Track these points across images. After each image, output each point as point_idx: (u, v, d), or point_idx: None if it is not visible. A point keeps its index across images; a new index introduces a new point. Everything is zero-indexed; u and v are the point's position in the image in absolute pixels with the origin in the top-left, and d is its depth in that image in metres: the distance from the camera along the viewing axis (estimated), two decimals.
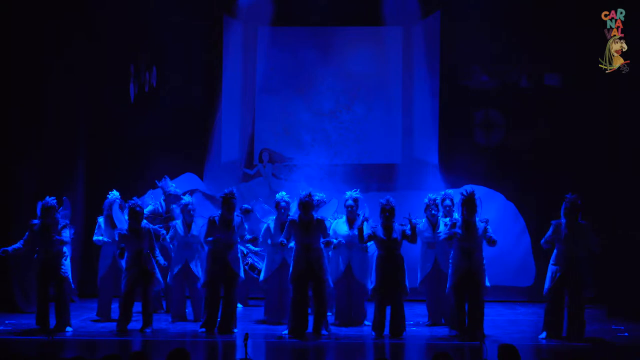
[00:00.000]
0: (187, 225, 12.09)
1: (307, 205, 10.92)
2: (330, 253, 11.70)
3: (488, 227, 10.80)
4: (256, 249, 12.88)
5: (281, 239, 11.14)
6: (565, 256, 10.66)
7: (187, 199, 12.35)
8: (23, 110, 13.49)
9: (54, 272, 11.18)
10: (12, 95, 13.46)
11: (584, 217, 10.84)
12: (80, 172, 14.32)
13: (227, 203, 11.16)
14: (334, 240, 11.19)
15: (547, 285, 10.79)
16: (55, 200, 11.28)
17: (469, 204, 10.76)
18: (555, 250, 10.82)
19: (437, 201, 11.89)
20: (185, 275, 12.07)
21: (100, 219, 12.26)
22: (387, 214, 10.96)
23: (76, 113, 14.19)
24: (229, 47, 15.12)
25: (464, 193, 10.86)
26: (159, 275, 11.35)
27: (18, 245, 11.29)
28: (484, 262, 10.78)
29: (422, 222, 11.87)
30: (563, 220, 10.73)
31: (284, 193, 11.97)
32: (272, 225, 11.82)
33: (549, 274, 10.79)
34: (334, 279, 11.63)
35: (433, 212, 11.84)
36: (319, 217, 11.07)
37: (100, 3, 14.15)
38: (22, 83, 13.47)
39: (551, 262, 10.82)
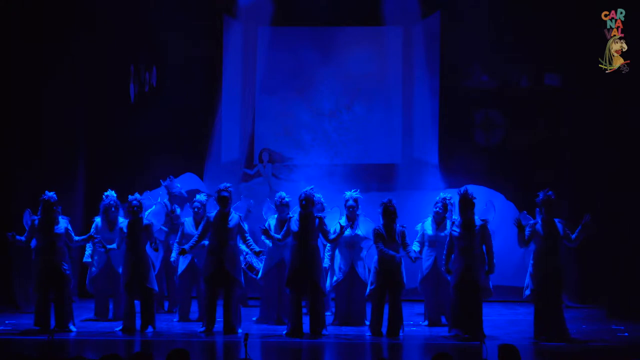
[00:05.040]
0: (197, 224, 12.08)
1: (306, 200, 10.92)
2: (328, 253, 11.74)
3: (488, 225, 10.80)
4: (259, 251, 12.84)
5: (279, 235, 11.13)
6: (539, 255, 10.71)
7: (198, 197, 12.33)
8: (23, 111, 13.50)
9: (56, 271, 11.16)
10: (13, 95, 13.46)
11: (578, 217, 10.87)
12: (80, 172, 14.32)
13: (219, 199, 11.15)
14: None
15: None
16: (55, 196, 11.27)
17: (464, 202, 10.77)
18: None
19: (446, 200, 11.90)
20: (192, 275, 12.07)
21: (97, 219, 12.22)
22: (391, 214, 10.95)
23: (76, 113, 14.19)
24: (229, 47, 15.13)
25: (460, 192, 10.89)
26: (153, 279, 11.27)
27: (22, 237, 11.33)
28: (486, 260, 10.78)
29: (428, 220, 11.94)
30: (539, 219, 10.75)
31: (283, 193, 11.97)
32: (272, 224, 11.82)
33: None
34: (337, 279, 11.65)
35: (438, 210, 11.83)
36: (319, 215, 11.07)
37: (100, 3, 14.15)
38: (22, 83, 13.48)
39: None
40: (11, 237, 11.25)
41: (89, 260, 12.16)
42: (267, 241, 11.76)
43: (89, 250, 12.16)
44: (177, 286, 12.31)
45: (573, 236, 10.72)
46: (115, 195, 12.11)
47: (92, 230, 11.99)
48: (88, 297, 13.12)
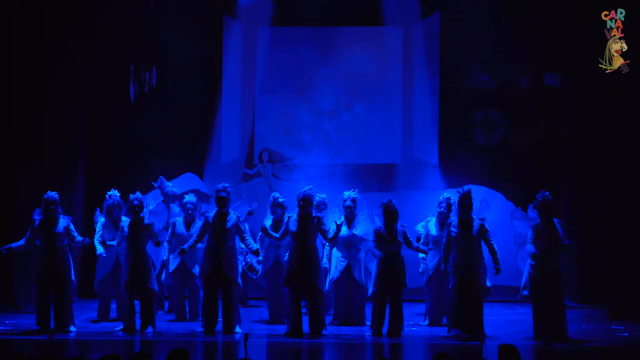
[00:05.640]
0: (187, 224, 12.09)
1: (304, 200, 10.93)
2: (327, 252, 11.75)
3: (485, 224, 10.79)
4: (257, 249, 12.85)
5: (277, 234, 11.13)
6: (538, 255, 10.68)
7: (188, 197, 12.34)
8: (23, 111, 13.50)
9: (56, 271, 11.15)
10: (13, 95, 13.47)
11: (578, 217, 10.86)
12: (80, 172, 14.32)
13: (217, 199, 11.15)
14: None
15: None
16: (55, 195, 11.26)
17: (465, 202, 10.76)
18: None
19: (450, 200, 11.89)
20: (183, 274, 12.07)
21: (102, 219, 12.20)
22: (392, 214, 10.95)
23: (76, 113, 14.19)
24: (229, 47, 15.13)
25: (460, 191, 10.88)
26: (153, 280, 11.26)
27: (21, 242, 11.30)
28: (485, 261, 10.77)
29: (432, 220, 11.94)
30: (538, 220, 10.73)
31: (277, 194, 11.97)
32: (268, 225, 11.83)
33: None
34: (333, 278, 11.66)
35: (442, 210, 11.82)
36: (317, 215, 11.06)
37: (100, 3, 14.16)
38: (22, 83, 13.48)
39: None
40: (6, 252, 11.26)
41: (103, 254, 11.92)
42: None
43: (100, 248, 11.97)
44: (171, 285, 12.33)
45: (566, 242, 10.70)
46: (118, 194, 12.09)
47: (98, 228, 11.94)
48: (88, 297, 13.13)
